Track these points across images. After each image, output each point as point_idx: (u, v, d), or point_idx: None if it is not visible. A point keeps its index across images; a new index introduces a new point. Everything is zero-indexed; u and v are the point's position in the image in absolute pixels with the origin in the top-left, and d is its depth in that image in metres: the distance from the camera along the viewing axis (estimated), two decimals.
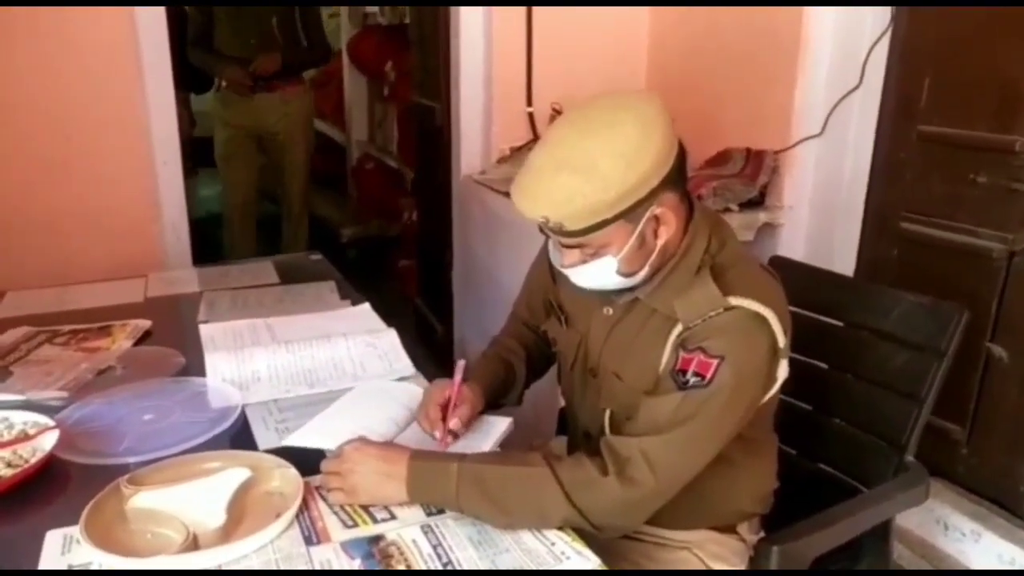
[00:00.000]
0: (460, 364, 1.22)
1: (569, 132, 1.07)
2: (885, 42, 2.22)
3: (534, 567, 0.95)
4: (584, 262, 1.10)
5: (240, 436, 1.26)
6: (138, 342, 1.62)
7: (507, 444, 1.25)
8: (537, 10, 2.68)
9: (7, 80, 2.24)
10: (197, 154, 4.01)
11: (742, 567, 1.26)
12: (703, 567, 1.25)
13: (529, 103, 2.75)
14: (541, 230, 1.09)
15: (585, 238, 1.06)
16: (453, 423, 1.18)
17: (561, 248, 1.12)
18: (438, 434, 1.19)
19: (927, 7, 2.12)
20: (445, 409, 1.21)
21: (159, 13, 2.35)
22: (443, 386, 1.22)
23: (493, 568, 0.94)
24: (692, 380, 1.05)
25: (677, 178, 1.08)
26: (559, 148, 1.06)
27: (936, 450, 2.14)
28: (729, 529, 1.29)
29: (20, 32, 2.23)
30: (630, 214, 1.04)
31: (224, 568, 0.94)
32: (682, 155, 1.08)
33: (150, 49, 2.36)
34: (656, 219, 1.08)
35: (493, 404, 1.31)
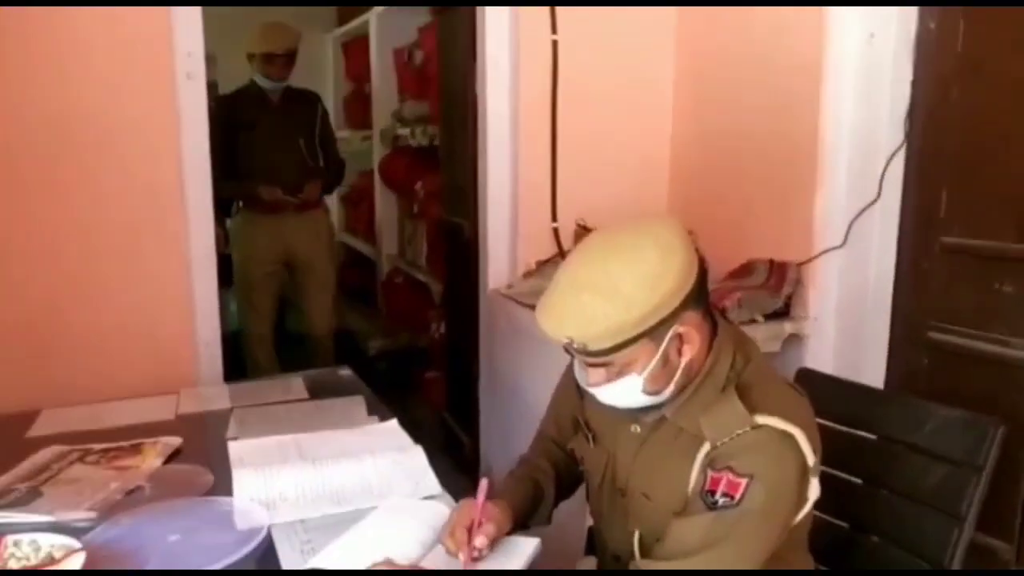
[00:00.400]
0: (483, 484, 1.22)
1: (591, 256, 1.11)
2: (901, 156, 2.27)
3: None
4: (609, 381, 1.11)
5: (265, 557, 1.25)
6: (168, 460, 1.63)
7: (535, 564, 1.23)
8: (561, 130, 2.78)
9: (47, 199, 2.32)
10: (229, 269, 4.10)
11: None
12: None
13: (554, 219, 2.82)
14: (566, 350, 1.11)
15: (609, 357, 1.08)
16: (479, 541, 1.16)
17: (586, 367, 1.13)
18: (462, 556, 1.17)
19: (941, 120, 2.18)
20: (471, 531, 1.19)
21: (203, 131, 2.45)
22: (469, 507, 1.21)
23: None
24: (721, 500, 1.03)
25: (699, 297, 1.10)
26: (582, 271, 1.10)
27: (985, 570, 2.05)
28: None
29: (61, 148, 2.31)
30: (653, 333, 1.06)
31: None
32: (703, 275, 1.11)
33: (192, 169, 2.44)
34: (679, 337, 1.09)
35: (522, 524, 1.30)
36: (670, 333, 1.08)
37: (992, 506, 1.93)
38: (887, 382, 2.37)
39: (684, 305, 1.08)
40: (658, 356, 1.09)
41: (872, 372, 2.36)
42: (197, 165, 2.45)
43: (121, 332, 2.46)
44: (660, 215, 1.15)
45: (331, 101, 5.72)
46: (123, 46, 2.33)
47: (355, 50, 5.34)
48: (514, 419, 2.64)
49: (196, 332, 2.55)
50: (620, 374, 1.11)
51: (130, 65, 2.34)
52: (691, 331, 1.10)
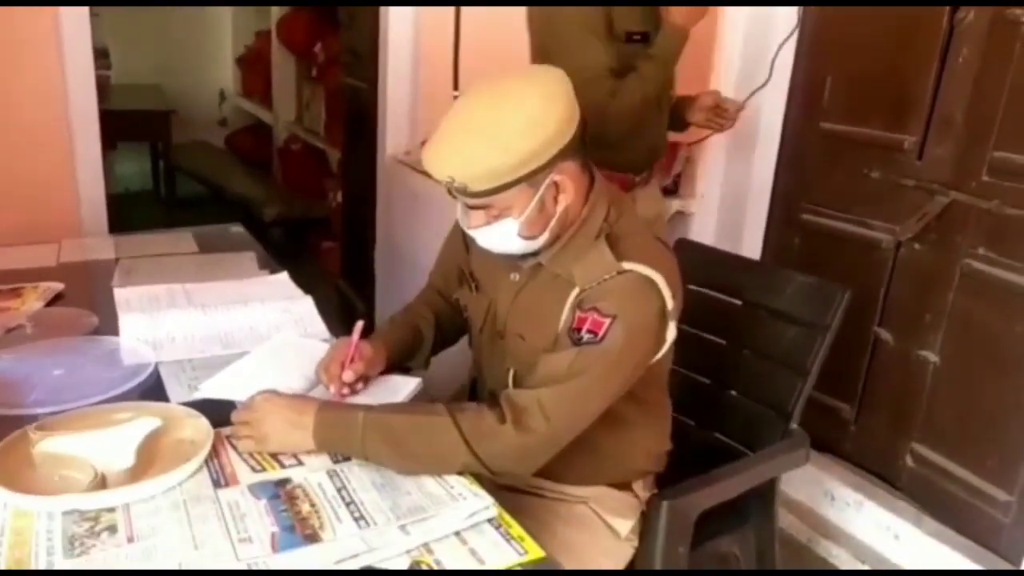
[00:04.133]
0: (358, 325, 1.29)
1: (477, 100, 1.14)
2: (793, 42, 2.35)
3: (433, 507, 1.00)
4: (488, 224, 1.17)
5: (152, 391, 1.28)
6: (50, 304, 1.61)
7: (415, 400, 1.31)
8: None
9: None
10: (114, 128, 3.87)
11: (635, 520, 1.35)
12: (599, 520, 1.33)
13: (456, 87, 2.79)
14: (449, 192, 1.15)
15: (488, 199, 1.13)
16: (346, 375, 1.24)
17: (467, 210, 1.18)
18: (333, 388, 1.24)
19: (832, 9, 2.26)
20: (344, 367, 1.26)
21: None
22: (343, 344, 1.28)
23: (394, 507, 1.00)
24: (586, 337, 1.12)
25: (578, 148, 1.15)
26: (466, 114, 1.13)
27: (827, 428, 2.29)
28: (625, 486, 1.37)
29: None
30: (531, 179, 1.12)
31: (132, 504, 0.97)
32: (583, 128, 1.16)
33: (70, 20, 2.30)
34: (556, 186, 1.15)
35: (399, 366, 1.38)
36: (547, 180, 1.13)
37: (839, 371, 2.14)
38: (762, 258, 2.53)
39: (563, 154, 1.13)
40: (535, 202, 1.14)
41: (750, 248, 2.52)
42: (74, 17, 2.30)
43: None
44: (546, 66, 1.17)
45: None
46: None
47: None
48: (410, 285, 2.66)
49: (78, 184, 2.46)
50: (498, 217, 1.16)
51: None
52: (567, 181, 1.15)
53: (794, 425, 1.56)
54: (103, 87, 3.26)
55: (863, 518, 2.15)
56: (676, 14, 1.86)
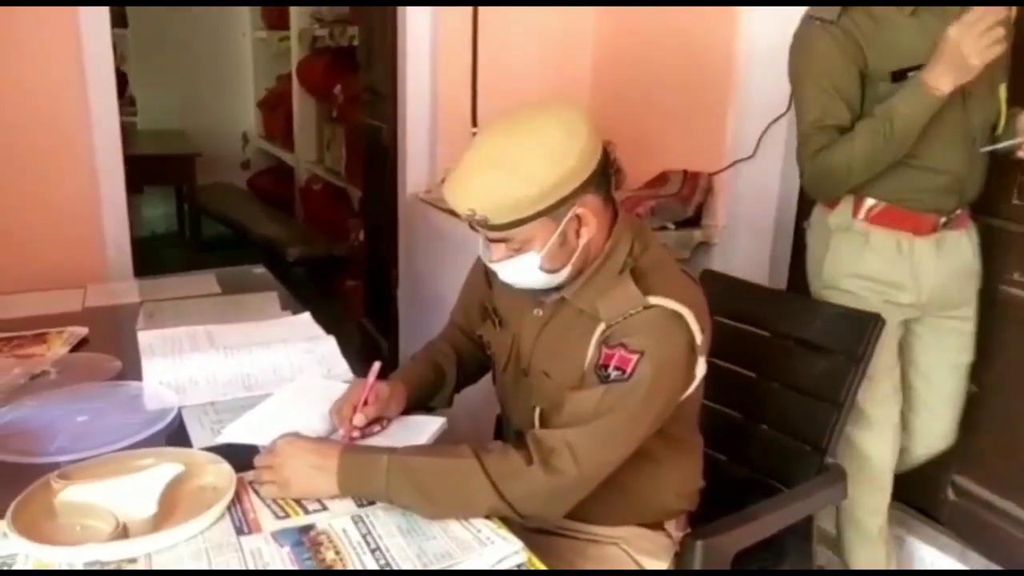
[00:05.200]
0: (375, 366, 1.27)
1: (497, 133, 1.14)
2: None
3: (460, 553, 0.98)
4: (509, 257, 1.15)
5: (175, 436, 1.26)
6: (74, 349, 1.61)
7: (440, 442, 1.28)
8: (483, 33, 2.75)
9: None
10: (140, 172, 3.93)
11: (668, 562, 1.31)
12: (632, 562, 1.29)
13: (474, 124, 2.80)
14: (471, 226, 1.14)
15: (509, 232, 1.12)
16: (357, 419, 1.22)
17: (489, 244, 1.17)
18: (342, 430, 1.23)
19: None
20: (356, 409, 1.24)
21: (103, 20, 2.35)
22: (359, 386, 1.26)
23: (420, 553, 0.97)
24: (613, 374, 1.10)
25: (600, 182, 1.14)
26: (486, 147, 1.13)
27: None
28: (657, 526, 1.33)
29: None
30: (552, 212, 1.10)
31: (155, 554, 0.95)
32: (606, 161, 1.14)
33: (93, 62, 2.35)
34: (578, 219, 1.14)
35: (421, 405, 1.36)
36: (569, 214, 1.12)
37: None
38: (789, 287, 2.49)
39: (585, 187, 1.12)
40: (556, 235, 1.13)
41: (776, 278, 2.48)
42: (97, 42, 2.36)
43: (24, 227, 2.38)
44: (565, 99, 1.17)
45: None
46: None
47: None
48: (434, 323, 2.65)
49: (103, 228, 2.49)
50: (520, 251, 1.14)
51: None
52: (589, 214, 1.14)
53: (830, 459, 1.51)
54: (129, 133, 3.32)
55: (905, 555, 2.08)
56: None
